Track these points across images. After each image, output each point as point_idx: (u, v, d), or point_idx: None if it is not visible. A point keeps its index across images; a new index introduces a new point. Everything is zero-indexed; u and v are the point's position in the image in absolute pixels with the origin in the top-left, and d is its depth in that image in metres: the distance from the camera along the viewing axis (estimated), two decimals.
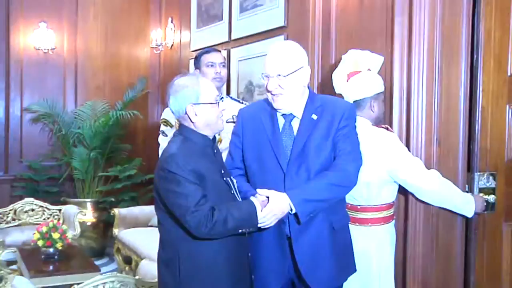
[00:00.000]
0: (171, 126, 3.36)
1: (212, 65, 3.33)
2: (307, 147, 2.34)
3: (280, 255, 2.37)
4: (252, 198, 2.28)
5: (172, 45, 6.72)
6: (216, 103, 2.29)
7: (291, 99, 2.37)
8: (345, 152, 2.35)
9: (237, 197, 2.34)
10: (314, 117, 2.39)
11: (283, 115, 2.42)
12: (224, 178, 2.31)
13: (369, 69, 2.94)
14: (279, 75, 2.33)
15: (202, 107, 2.26)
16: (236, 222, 2.18)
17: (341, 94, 2.98)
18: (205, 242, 2.19)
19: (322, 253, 2.37)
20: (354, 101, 2.84)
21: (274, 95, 2.36)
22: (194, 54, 5.94)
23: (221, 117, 2.33)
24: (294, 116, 2.41)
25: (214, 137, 2.40)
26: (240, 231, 2.22)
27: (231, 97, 3.64)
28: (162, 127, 3.47)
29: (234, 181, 2.37)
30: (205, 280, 2.22)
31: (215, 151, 2.37)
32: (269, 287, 2.40)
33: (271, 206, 2.22)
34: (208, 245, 2.20)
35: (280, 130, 2.40)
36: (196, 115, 2.26)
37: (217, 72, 3.31)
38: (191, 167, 2.16)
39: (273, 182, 2.35)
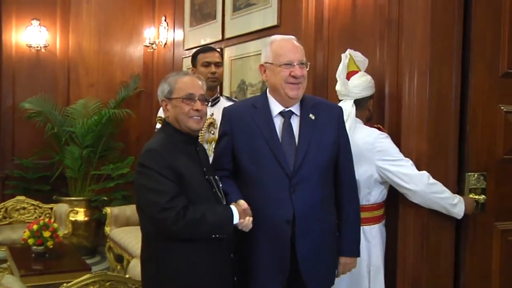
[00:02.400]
0: None
1: (207, 65, 3.31)
2: (311, 147, 2.34)
3: (282, 256, 2.33)
4: (232, 205, 2.25)
5: (165, 44, 6.70)
6: (184, 99, 2.25)
7: (304, 90, 2.39)
8: (350, 166, 2.49)
9: (220, 196, 2.32)
10: (312, 117, 2.39)
11: (281, 112, 2.38)
12: (207, 177, 2.30)
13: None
14: (303, 63, 2.34)
15: (172, 102, 2.28)
16: (209, 226, 2.16)
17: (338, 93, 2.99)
18: (184, 241, 2.17)
19: (322, 254, 2.38)
20: (354, 100, 2.85)
21: (295, 83, 2.32)
22: (188, 52, 5.95)
23: (193, 117, 2.27)
24: (293, 113, 2.39)
25: (197, 136, 2.40)
26: (213, 236, 2.19)
27: (226, 97, 3.62)
28: (158, 126, 3.46)
29: (218, 179, 2.35)
30: (184, 279, 2.20)
31: (198, 148, 2.36)
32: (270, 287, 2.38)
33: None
34: (187, 245, 2.18)
35: (278, 130, 2.37)
36: (167, 109, 2.29)
37: (212, 72, 3.29)
38: (167, 163, 2.14)
39: (275, 184, 2.32)
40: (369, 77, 2.92)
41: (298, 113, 2.40)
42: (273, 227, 2.31)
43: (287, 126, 2.37)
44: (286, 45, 2.36)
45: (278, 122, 2.39)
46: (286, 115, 2.39)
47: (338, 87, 2.95)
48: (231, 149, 2.42)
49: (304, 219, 2.31)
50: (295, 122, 2.39)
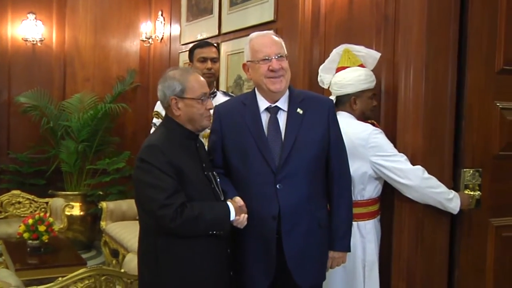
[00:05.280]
0: (163, 118, 3.35)
1: (203, 60, 3.30)
2: (298, 143, 2.33)
3: (268, 252, 2.35)
4: (229, 201, 2.27)
5: (162, 38, 6.69)
6: (200, 99, 2.27)
7: (288, 82, 2.38)
8: (341, 160, 2.46)
9: (218, 192, 2.33)
10: (300, 111, 2.38)
11: (267, 108, 2.39)
12: (206, 173, 2.30)
13: (361, 65, 2.93)
14: (281, 55, 2.33)
15: (185, 102, 2.26)
16: (206, 223, 2.18)
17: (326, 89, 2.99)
18: (183, 236, 2.18)
19: (309, 250, 2.38)
20: (336, 97, 2.86)
21: (276, 77, 2.33)
22: (184, 47, 5.94)
23: (207, 116, 2.30)
24: (280, 109, 2.40)
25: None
26: (210, 232, 2.21)
27: (223, 92, 3.62)
28: (154, 120, 3.47)
29: (216, 175, 2.36)
30: (182, 273, 2.21)
31: (198, 144, 2.36)
32: (258, 284, 2.39)
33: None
34: (186, 240, 2.19)
35: (265, 125, 2.38)
36: (178, 108, 2.26)
37: (208, 68, 3.28)
38: (168, 159, 2.15)
39: (261, 180, 2.33)
40: (353, 74, 2.87)
41: (285, 108, 2.40)
42: (260, 222, 2.32)
43: (273, 121, 2.38)
44: (262, 41, 2.37)
45: (265, 118, 2.40)
46: (272, 111, 2.39)
47: (323, 83, 3.01)
48: (221, 146, 2.44)
49: (290, 215, 2.32)
50: (282, 118, 2.39)
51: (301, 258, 2.36)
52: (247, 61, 2.41)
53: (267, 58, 2.32)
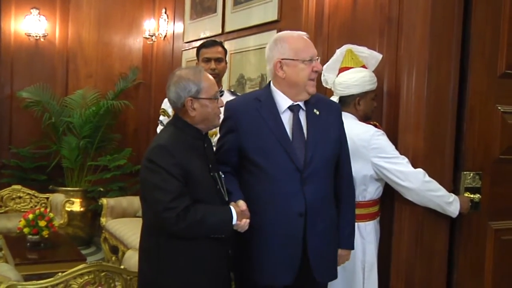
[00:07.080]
0: (169, 116, 3.36)
1: (207, 61, 3.30)
2: (319, 142, 2.35)
3: (293, 249, 2.33)
4: (232, 205, 2.27)
5: (165, 36, 6.69)
6: (215, 98, 2.28)
7: None
8: (349, 161, 2.53)
9: (223, 193, 2.33)
10: (317, 112, 2.40)
11: (289, 107, 2.37)
12: (212, 173, 2.30)
13: (363, 66, 2.94)
14: (318, 58, 2.37)
15: (200, 102, 2.25)
16: (209, 227, 2.20)
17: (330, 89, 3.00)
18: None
19: (329, 247, 2.43)
20: (340, 97, 2.86)
21: (314, 79, 2.36)
22: (187, 45, 5.95)
23: (219, 114, 2.32)
24: (301, 108, 2.40)
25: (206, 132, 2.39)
26: (212, 236, 2.23)
27: (230, 91, 3.62)
28: (161, 118, 3.48)
29: (222, 176, 2.36)
30: (183, 272, 2.22)
31: (206, 145, 2.35)
32: (281, 281, 2.37)
33: None
34: (189, 240, 2.20)
35: (286, 124, 2.36)
36: (194, 109, 2.26)
37: (212, 68, 3.27)
38: (176, 161, 2.15)
39: (287, 178, 2.32)
40: (357, 75, 2.87)
41: (304, 107, 2.40)
42: (286, 220, 2.31)
43: (297, 120, 2.37)
44: (305, 41, 2.37)
45: (286, 116, 2.38)
46: (295, 109, 2.38)
47: (326, 83, 3.00)
48: (237, 145, 2.38)
49: (314, 212, 2.33)
50: (302, 117, 2.39)
51: (322, 254, 2.39)
52: (283, 59, 2.33)
53: (311, 59, 2.33)
